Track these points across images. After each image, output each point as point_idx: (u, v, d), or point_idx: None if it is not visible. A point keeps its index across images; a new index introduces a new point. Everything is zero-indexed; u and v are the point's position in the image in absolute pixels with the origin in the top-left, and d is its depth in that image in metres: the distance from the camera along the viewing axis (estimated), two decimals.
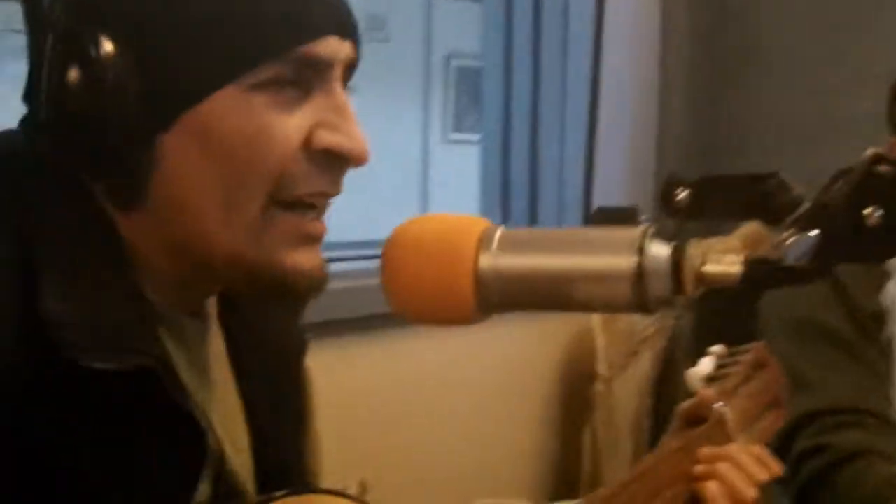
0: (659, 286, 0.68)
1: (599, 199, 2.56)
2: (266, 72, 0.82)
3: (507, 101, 2.58)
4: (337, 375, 1.75)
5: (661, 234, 0.70)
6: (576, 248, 0.71)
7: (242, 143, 0.81)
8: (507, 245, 0.71)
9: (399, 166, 6.55)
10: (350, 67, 0.88)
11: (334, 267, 0.92)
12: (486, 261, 0.71)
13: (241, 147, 0.81)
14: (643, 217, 0.71)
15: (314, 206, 0.86)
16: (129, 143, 0.80)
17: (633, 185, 2.63)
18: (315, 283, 0.87)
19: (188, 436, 0.83)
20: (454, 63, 6.87)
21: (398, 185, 6.50)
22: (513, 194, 2.59)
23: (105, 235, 0.83)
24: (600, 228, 0.71)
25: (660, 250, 0.68)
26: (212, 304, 0.95)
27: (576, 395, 2.43)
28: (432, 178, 7.07)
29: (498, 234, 0.72)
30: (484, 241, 0.71)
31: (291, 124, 0.83)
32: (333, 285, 0.91)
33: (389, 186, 6.01)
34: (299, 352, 1.04)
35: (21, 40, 0.78)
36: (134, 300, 0.82)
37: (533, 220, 2.56)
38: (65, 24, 0.79)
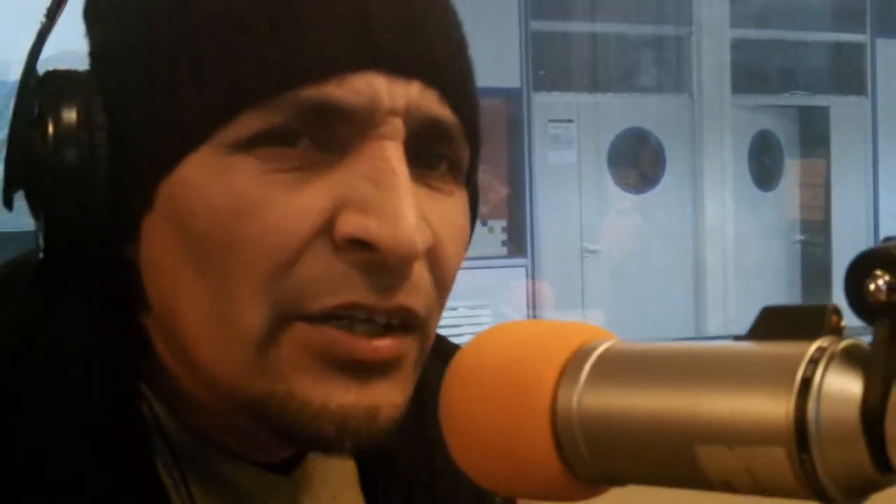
0: (840, 456, 0.37)
1: None
2: (249, 124, 0.54)
3: None
4: None
5: (857, 357, 0.38)
6: (703, 379, 0.40)
7: (218, 227, 0.55)
8: (606, 371, 0.43)
9: None
10: (431, 127, 0.57)
11: None
12: (568, 397, 0.43)
13: (218, 233, 0.55)
14: (839, 324, 0.40)
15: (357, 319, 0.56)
16: (111, 231, 0.57)
17: None
18: (352, 431, 0.56)
19: None
20: None
21: None
22: None
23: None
24: (761, 344, 0.40)
25: (846, 387, 0.37)
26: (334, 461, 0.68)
27: None
28: None
29: (598, 352, 0.43)
30: (573, 364, 0.43)
31: (299, 202, 0.55)
32: None
33: None
34: None
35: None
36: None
37: None
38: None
